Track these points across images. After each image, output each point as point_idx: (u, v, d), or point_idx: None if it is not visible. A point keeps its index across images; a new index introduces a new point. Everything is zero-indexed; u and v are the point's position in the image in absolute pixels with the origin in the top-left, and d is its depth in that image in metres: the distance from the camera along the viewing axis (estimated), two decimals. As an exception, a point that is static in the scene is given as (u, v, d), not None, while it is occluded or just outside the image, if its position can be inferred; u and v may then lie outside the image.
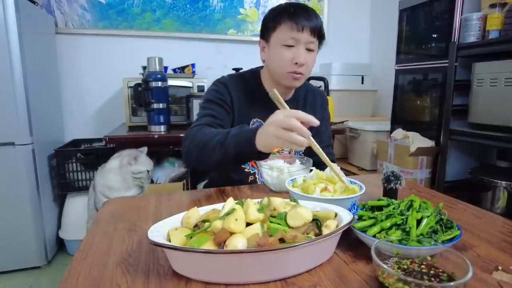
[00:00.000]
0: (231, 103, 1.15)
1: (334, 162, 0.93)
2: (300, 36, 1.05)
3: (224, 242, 0.56)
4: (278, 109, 0.90)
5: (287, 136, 0.79)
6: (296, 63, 1.07)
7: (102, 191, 1.41)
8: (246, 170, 1.20)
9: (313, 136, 0.96)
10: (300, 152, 1.23)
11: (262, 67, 1.24)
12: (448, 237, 0.61)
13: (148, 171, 1.35)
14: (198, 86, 2.28)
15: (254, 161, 1.18)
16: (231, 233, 0.57)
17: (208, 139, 0.97)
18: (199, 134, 1.01)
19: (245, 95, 1.17)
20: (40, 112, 2.05)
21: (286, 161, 1.07)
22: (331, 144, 1.36)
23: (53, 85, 2.37)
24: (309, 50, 1.09)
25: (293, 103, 1.22)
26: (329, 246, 0.61)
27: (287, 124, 0.79)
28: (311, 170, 0.93)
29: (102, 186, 1.46)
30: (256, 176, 1.21)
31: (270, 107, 0.96)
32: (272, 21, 1.10)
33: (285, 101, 0.94)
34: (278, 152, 1.19)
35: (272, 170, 0.99)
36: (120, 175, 1.41)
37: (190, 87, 2.29)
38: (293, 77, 1.09)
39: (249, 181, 1.20)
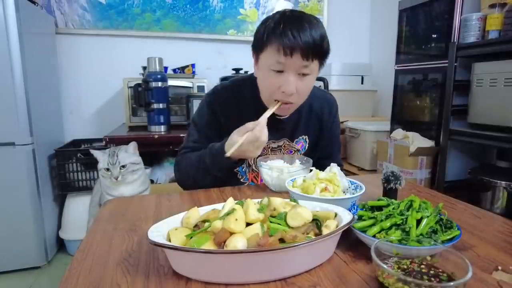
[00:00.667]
0: (219, 125, 1.09)
1: (342, 170, 0.92)
2: (289, 61, 0.89)
3: (224, 242, 0.56)
4: (273, 123, 1.00)
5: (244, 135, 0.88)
6: (283, 92, 0.93)
7: (104, 189, 1.41)
8: (244, 183, 1.17)
9: (321, 140, 1.11)
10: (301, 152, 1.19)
11: None
12: (448, 237, 0.61)
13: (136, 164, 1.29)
14: (198, 86, 2.29)
15: (254, 176, 1.16)
16: (231, 233, 0.57)
17: (192, 170, 1.05)
18: (184, 164, 1.09)
19: (238, 110, 1.08)
20: (40, 112, 2.05)
21: (286, 161, 1.07)
22: (340, 151, 1.26)
23: (53, 85, 2.37)
24: (303, 74, 0.93)
25: (296, 112, 1.10)
26: (329, 246, 0.62)
27: (243, 128, 0.90)
28: (311, 170, 0.93)
29: (103, 184, 1.46)
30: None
31: (263, 112, 0.98)
32: (259, 40, 0.95)
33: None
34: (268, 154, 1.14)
35: (272, 170, 0.99)
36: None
37: (190, 87, 2.29)
38: (282, 107, 0.97)
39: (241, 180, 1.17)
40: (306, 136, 1.16)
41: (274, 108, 0.97)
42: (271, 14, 0.98)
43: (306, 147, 1.17)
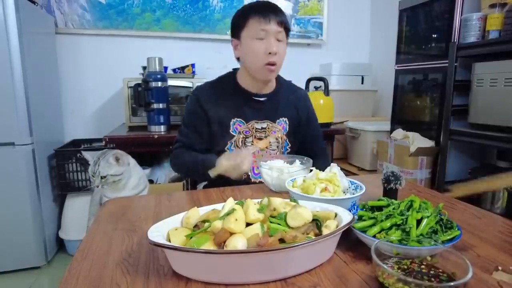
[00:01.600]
0: (206, 115, 1.22)
1: (324, 154, 1.22)
2: (269, 27, 1.12)
3: (224, 242, 0.56)
4: (253, 104, 1.24)
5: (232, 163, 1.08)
6: (269, 53, 1.13)
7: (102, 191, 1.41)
8: None
9: (302, 131, 1.33)
10: (288, 143, 1.31)
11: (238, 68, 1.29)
12: (448, 237, 0.61)
13: (109, 175, 1.26)
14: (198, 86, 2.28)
15: None
16: (231, 233, 0.57)
17: (187, 169, 1.25)
18: (179, 161, 1.25)
19: (221, 98, 1.24)
20: (40, 112, 2.05)
21: (286, 162, 1.07)
22: (321, 134, 1.43)
23: (53, 85, 2.36)
24: (278, 40, 1.15)
25: (274, 97, 1.28)
26: (329, 246, 0.61)
27: (232, 155, 1.11)
28: (311, 170, 0.93)
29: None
30: (249, 173, 1.25)
31: (246, 104, 1.21)
32: (241, 19, 1.17)
33: (266, 95, 1.26)
34: (266, 147, 1.26)
35: (272, 170, 0.99)
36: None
37: (190, 87, 2.28)
38: (268, 69, 1.16)
39: (243, 179, 1.22)
40: (286, 118, 1.30)
41: (260, 144, 1.24)
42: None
43: (287, 128, 1.30)
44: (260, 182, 1.21)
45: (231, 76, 1.29)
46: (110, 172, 1.21)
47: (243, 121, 1.23)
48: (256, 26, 1.13)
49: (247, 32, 1.15)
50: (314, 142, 1.37)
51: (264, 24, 1.12)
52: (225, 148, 1.23)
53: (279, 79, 1.33)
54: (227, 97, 1.24)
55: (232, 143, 1.23)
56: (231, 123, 1.22)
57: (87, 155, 1.27)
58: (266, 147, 1.25)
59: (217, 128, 1.22)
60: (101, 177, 1.20)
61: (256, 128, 1.24)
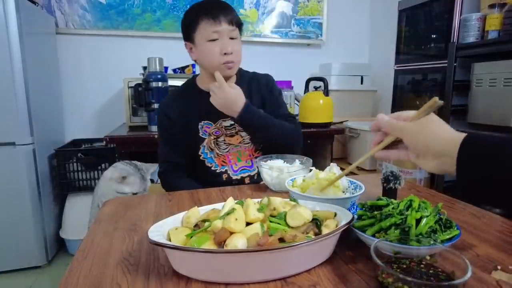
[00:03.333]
0: (174, 125, 1.23)
1: (293, 120, 1.27)
2: (221, 28, 1.11)
3: (224, 241, 0.56)
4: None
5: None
6: (225, 54, 1.12)
7: (102, 194, 1.43)
8: (217, 171, 1.24)
9: (267, 107, 1.29)
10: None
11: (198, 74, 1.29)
12: (447, 237, 0.61)
13: (134, 193, 1.39)
14: (198, 86, 2.28)
15: (222, 161, 1.24)
16: (231, 233, 0.57)
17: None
18: (173, 186, 1.21)
19: (185, 105, 1.24)
20: (41, 112, 2.05)
21: (285, 161, 1.07)
22: (287, 113, 1.33)
23: (54, 85, 2.37)
24: (232, 38, 1.15)
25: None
26: (329, 245, 0.62)
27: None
28: (310, 170, 0.93)
29: (101, 189, 1.47)
30: (229, 172, 1.24)
31: (210, 105, 1.16)
32: (191, 22, 1.14)
33: None
34: (240, 142, 1.24)
35: (272, 170, 1.00)
36: (109, 187, 1.45)
37: (190, 87, 2.29)
38: (226, 66, 1.15)
39: (225, 178, 1.23)
40: None
41: (233, 140, 1.23)
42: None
43: None
44: (240, 180, 1.24)
45: (191, 81, 1.29)
46: (135, 191, 1.36)
47: (210, 122, 1.22)
48: (208, 29, 1.11)
49: (199, 34, 1.13)
50: (278, 115, 1.28)
51: (215, 26, 1.10)
52: (199, 153, 1.23)
53: (240, 72, 1.30)
54: (191, 102, 1.24)
55: (204, 146, 1.23)
56: (199, 126, 1.22)
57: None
58: (239, 142, 1.24)
59: (188, 135, 1.23)
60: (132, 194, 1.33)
61: (225, 126, 1.23)
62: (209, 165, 1.24)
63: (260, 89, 1.30)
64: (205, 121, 1.22)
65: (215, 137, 1.23)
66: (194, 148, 1.23)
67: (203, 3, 1.16)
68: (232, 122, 1.23)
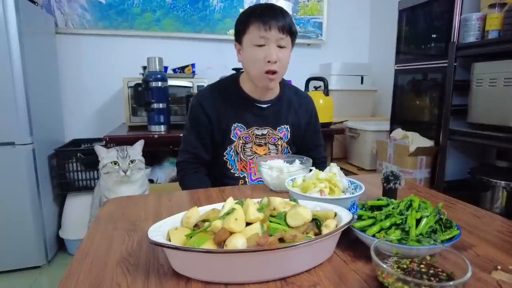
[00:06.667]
0: (208, 120, 1.20)
1: (325, 162, 1.12)
2: (269, 34, 1.08)
3: (224, 241, 0.56)
4: (255, 110, 1.21)
5: None
6: (268, 61, 1.09)
7: (103, 192, 1.42)
8: (236, 175, 1.25)
9: (303, 136, 1.31)
10: (288, 151, 1.29)
11: (243, 71, 1.27)
12: (448, 237, 0.61)
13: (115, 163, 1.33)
14: (198, 86, 2.28)
15: (243, 166, 1.24)
16: (231, 233, 0.57)
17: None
18: (189, 185, 1.21)
19: (223, 103, 1.21)
20: (40, 112, 2.05)
21: (286, 161, 1.07)
22: (322, 144, 1.38)
23: (53, 85, 2.36)
24: (280, 47, 1.11)
25: (277, 104, 1.25)
26: (329, 245, 0.62)
27: None
28: (310, 170, 0.93)
29: (102, 186, 1.47)
30: (246, 179, 1.25)
31: (248, 109, 1.20)
32: (241, 24, 1.13)
33: (268, 101, 1.23)
34: (265, 154, 1.25)
35: (272, 170, 0.99)
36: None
37: (190, 87, 2.29)
38: (268, 77, 1.12)
39: (241, 184, 1.24)
40: (288, 126, 1.28)
41: (259, 150, 1.23)
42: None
43: (288, 136, 1.28)
44: None
45: (234, 79, 1.26)
46: (139, 158, 1.30)
47: (243, 126, 1.21)
48: (256, 33, 1.08)
49: (247, 38, 1.11)
50: (314, 150, 1.34)
51: (264, 31, 1.07)
52: (224, 153, 1.22)
53: (283, 84, 1.29)
54: (229, 101, 1.21)
55: (231, 148, 1.22)
56: (232, 128, 1.21)
57: (101, 149, 1.32)
58: (265, 154, 1.24)
59: (218, 133, 1.21)
60: (130, 161, 1.28)
61: (256, 135, 1.22)
62: (230, 167, 1.24)
63: (300, 110, 1.30)
64: (239, 124, 1.21)
65: (244, 142, 1.22)
66: (221, 147, 1.22)
67: (257, 6, 1.14)
68: (265, 132, 1.23)
